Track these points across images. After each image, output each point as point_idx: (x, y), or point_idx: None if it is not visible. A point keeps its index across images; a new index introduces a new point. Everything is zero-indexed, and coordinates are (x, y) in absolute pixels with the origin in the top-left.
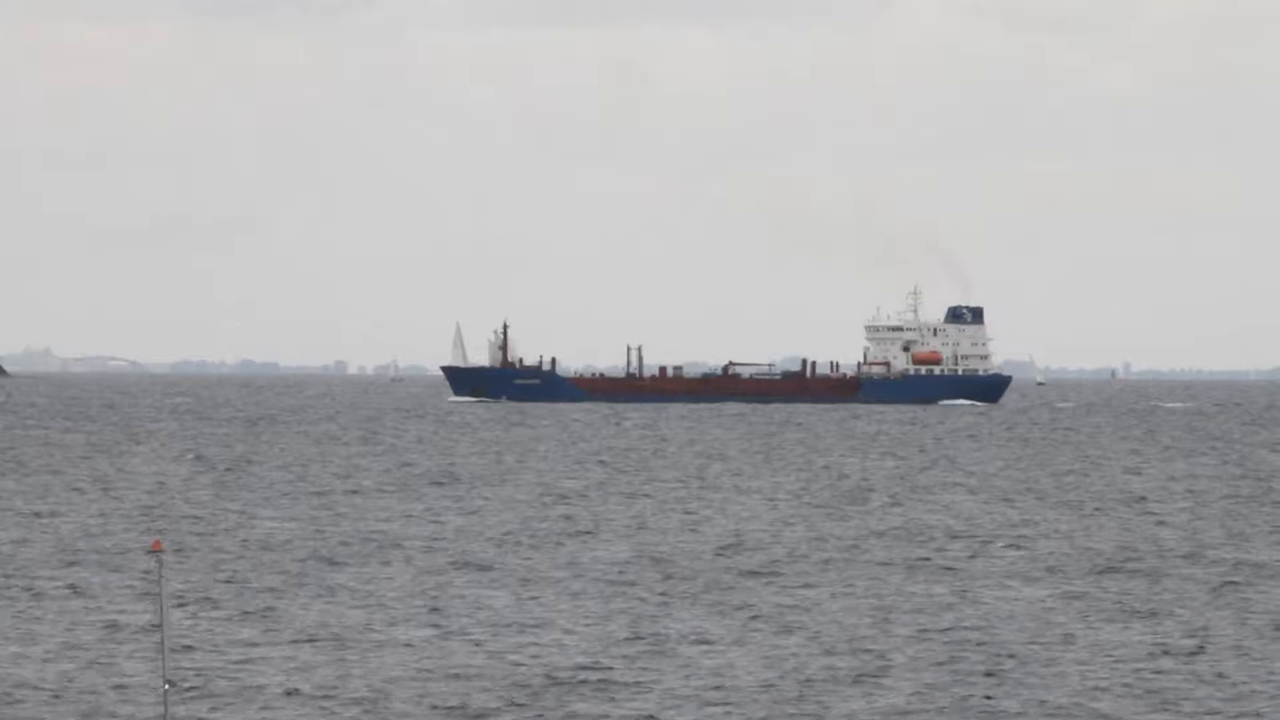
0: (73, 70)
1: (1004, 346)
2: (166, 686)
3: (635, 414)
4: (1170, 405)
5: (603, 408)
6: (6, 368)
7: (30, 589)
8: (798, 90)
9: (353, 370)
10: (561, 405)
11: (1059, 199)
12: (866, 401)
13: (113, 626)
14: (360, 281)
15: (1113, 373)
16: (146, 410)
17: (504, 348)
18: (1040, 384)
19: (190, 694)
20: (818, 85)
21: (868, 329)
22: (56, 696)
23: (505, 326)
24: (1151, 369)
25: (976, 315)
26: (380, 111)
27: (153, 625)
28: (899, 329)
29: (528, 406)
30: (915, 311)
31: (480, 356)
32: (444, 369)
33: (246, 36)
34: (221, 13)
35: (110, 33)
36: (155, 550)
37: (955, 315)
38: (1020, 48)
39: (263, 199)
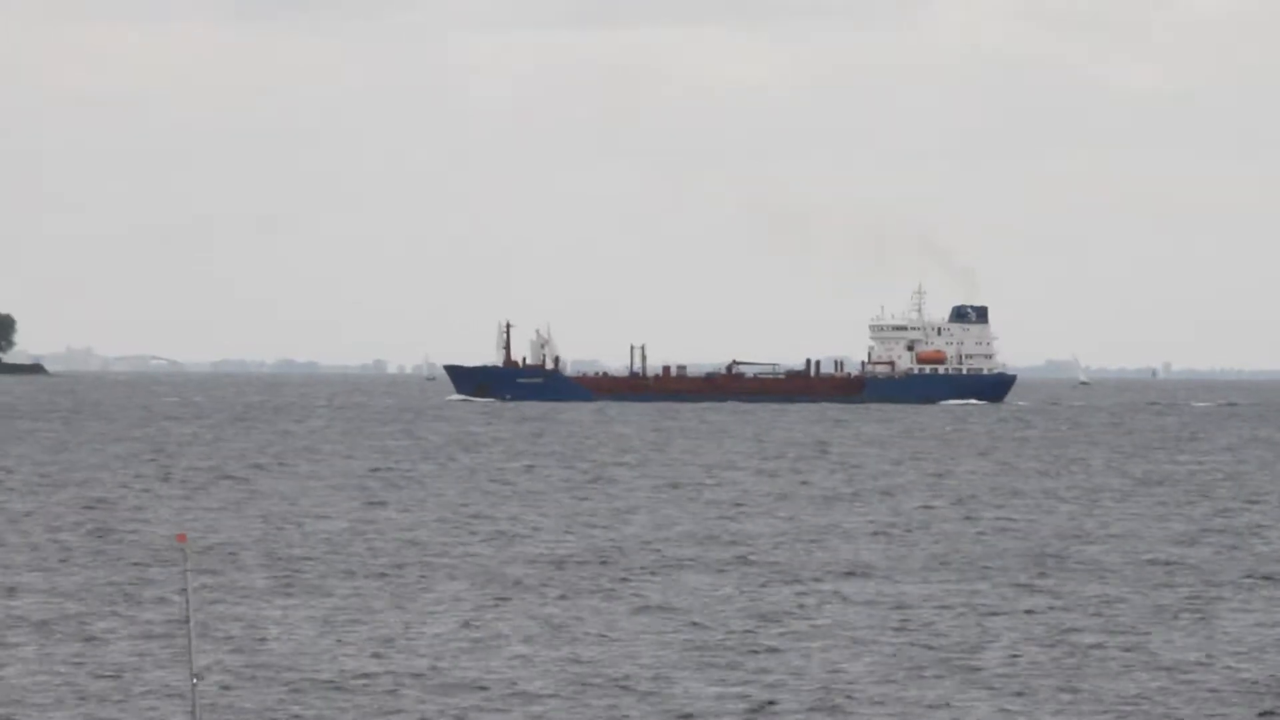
0: (112, 71)
1: (1044, 346)
2: (195, 681)
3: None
4: (1198, 405)
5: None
6: (48, 367)
7: (52, 584)
8: (808, 90)
9: (392, 370)
10: (566, 405)
11: (1099, 199)
12: (870, 401)
13: (139, 620)
14: (400, 281)
15: (1153, 372)
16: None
17: (506, 347)
18: (1083, 383)
19: (219, 687)
20: (829, 85)
21: (872, 328)
22: (84, 692)
23: (508, 325)
24: (1191, 368)
25: (981, 315)
26: (416, 111)
27: (179, 619)
28: (903, 328)
29: (532, 406)
30: (919, 311)
31: (522, 355)
32: (447, 368)
33: (283, 38)
34: (258, 15)
35: (149, 35)
36: (180, 543)
37: (959, 315)
38: (1046, 47)
39: (303, 198)
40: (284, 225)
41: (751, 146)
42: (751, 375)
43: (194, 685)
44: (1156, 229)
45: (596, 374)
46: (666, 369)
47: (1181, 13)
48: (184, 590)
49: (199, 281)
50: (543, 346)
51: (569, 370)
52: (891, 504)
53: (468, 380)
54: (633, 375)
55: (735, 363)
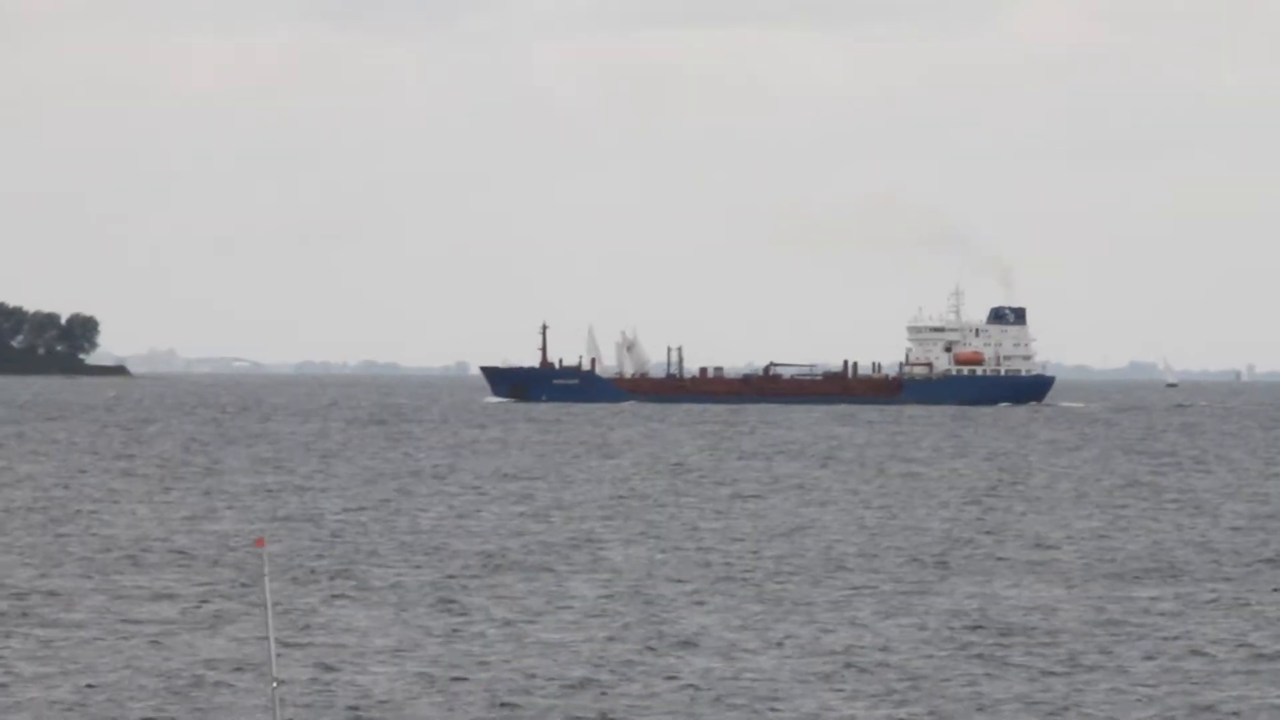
0: (195, 77)
1: (1130, 348)
2: (275, 684)
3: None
4: None
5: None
6: (131, 369)
7: (137, 584)
8: (866, 93)
9: (474, 371)
10: (601, 406)
11: (1180, 201)
12: (908, 402)
13: (220, 624)
14: (482, 283)
15: (1237, 375)
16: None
17: (543, 349)
18: (1171, 385)
19: (298, 690)
20: (870, 89)
21: (910, 330)
22: (166, 693)
23: (545, 327)
24: (1275, 371)
25: (1019, 316)
26: (493, 113)
27: (260, 622)
28: (941, 329)
29: (567, 407)
30: (957, 312)
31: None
32: (483, 369)
33: (364, 42)
34: (340, 19)
35: (234, 41)
36: (259, 547)
37: (997, 316)
38: (1118, 48)
39: (384, 200)
40: (365, 228)
41: (800, 148)
42: (789, 377)
43: (274, 688)
44: (1240, 231)
45: (633, 375)
46: (703, 370)
47: (1264, 16)
48: (263, 594)
49: (280, 284)
50: (629, 349)
51: (624, 368)
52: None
53: (503, 382)
54: (669, 377)
55: (772, 364)
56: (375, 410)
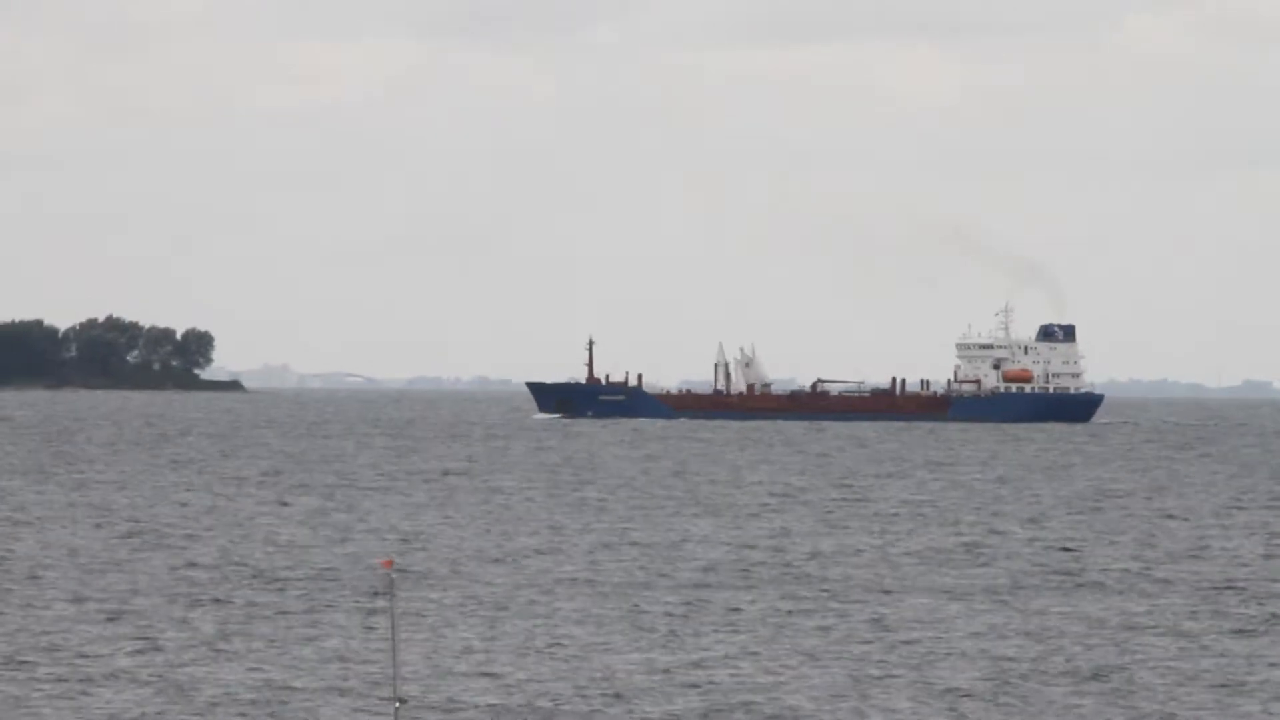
0: (306, 89)
1: (1241, 367)
2: (398, 704)
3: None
4: None
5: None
6: (246, 384)
7: (256, 603)
8: (940, 106)
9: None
10: (647, 422)
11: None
12: (956, 420)
13: (345, 643)
14: (595, 299)
15: None
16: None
17: (589, 364)
18: None
19: (420, 710)
20: (962, 102)
21: (959, 346)
22: (284, 712)
23: (591, 342)
24: None
25: (1068, 333)
26: (608, 128)
27: (384, 643)
28: (989, 346)
29: (613, 423)
30: (1006, 329)
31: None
32: (529, 385)
33: (478, 54)
34: (454, 32)
35: (345, 53)
36: (385, 568)
37: (1047, 333)
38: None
39: (500, 214)
40: (479, 244)
41: (844, 160)
42: (836, 393)
43: (396, 708)
44: None
45: (679, 391)
46: (750, 387)
47: None
48: (390, 614)
49: (394, 299)
50: (746, 365)
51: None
52: None
53: (549, 397)
54: (716, 393)
55: (820, 381)
56: (446, 426)
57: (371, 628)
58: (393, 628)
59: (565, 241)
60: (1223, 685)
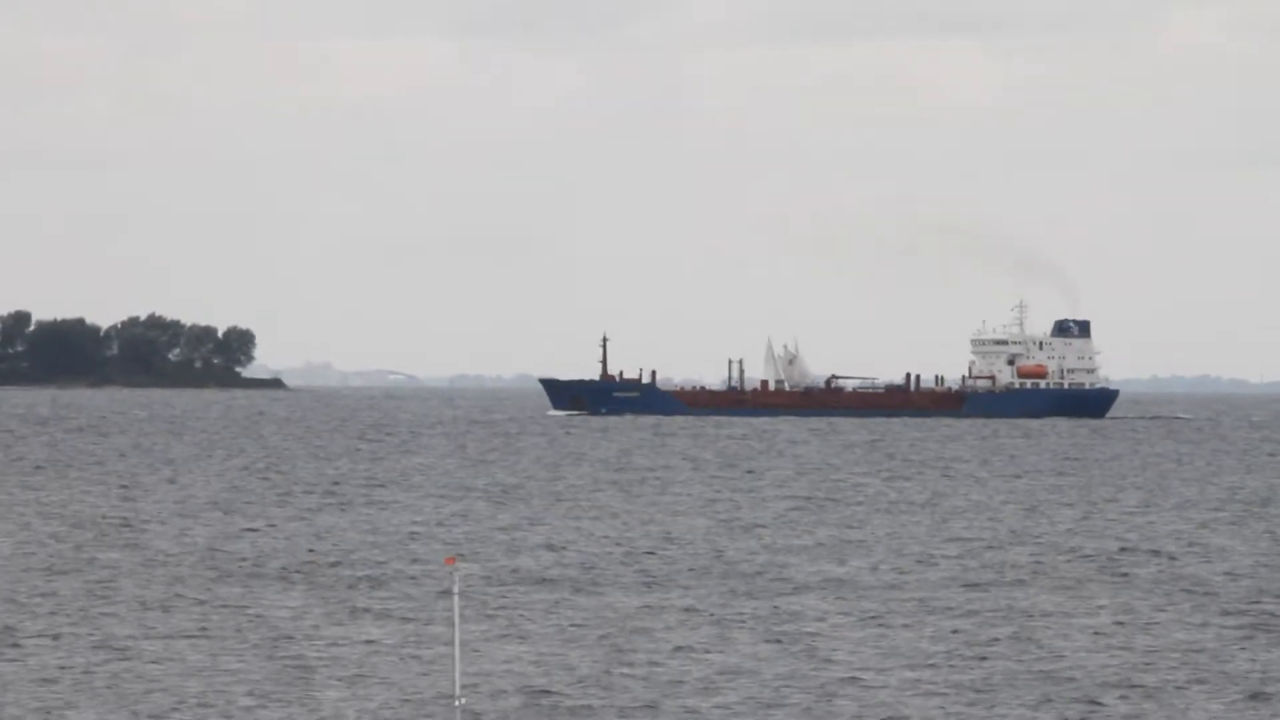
0: (347, 86)
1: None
2: (460, 701)
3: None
4: None
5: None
6: (287, 382)
7: (323, 600)
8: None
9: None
10: (661, 418)
11: None
12: (971, 415)
13: (406, 640)
14: (630, 298)
15: None
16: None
17: (603, 361)
18: None
19: (483, 707)
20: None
21: (973, 342)
22: (348, 708)
23: (605, 339)
24: None
25: (1083, 329)
26: (651, 126)
27: (447, 640)
28: (1004, 342)
29: (629, 420)
30: (1021, 325)
31: (761, 370)
32: (542, 381)
33: (517, 52)
34: (492, 30)
35: (380, 50)
36: (449, 565)
37: (1062, 329)
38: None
39: (543, 212)
40: (521, 243)
41: (856, 158)
42: (850, 389)
43: (459, 705)
44: None
45: (694, 388)
46: (764, 383)
47: None
48: (452, 613)
49: (435, 296)
50: (790, 363)
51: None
52: None
53: (563, 394)
54: (730, 389)
55: (834, 377)
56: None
57: (434, 624)
58: (455, 624)
59: (582, 242)
60: None
